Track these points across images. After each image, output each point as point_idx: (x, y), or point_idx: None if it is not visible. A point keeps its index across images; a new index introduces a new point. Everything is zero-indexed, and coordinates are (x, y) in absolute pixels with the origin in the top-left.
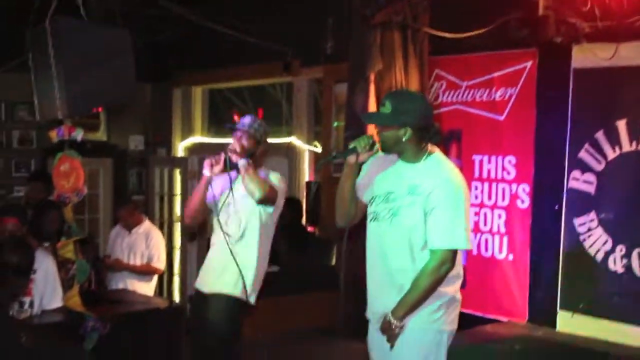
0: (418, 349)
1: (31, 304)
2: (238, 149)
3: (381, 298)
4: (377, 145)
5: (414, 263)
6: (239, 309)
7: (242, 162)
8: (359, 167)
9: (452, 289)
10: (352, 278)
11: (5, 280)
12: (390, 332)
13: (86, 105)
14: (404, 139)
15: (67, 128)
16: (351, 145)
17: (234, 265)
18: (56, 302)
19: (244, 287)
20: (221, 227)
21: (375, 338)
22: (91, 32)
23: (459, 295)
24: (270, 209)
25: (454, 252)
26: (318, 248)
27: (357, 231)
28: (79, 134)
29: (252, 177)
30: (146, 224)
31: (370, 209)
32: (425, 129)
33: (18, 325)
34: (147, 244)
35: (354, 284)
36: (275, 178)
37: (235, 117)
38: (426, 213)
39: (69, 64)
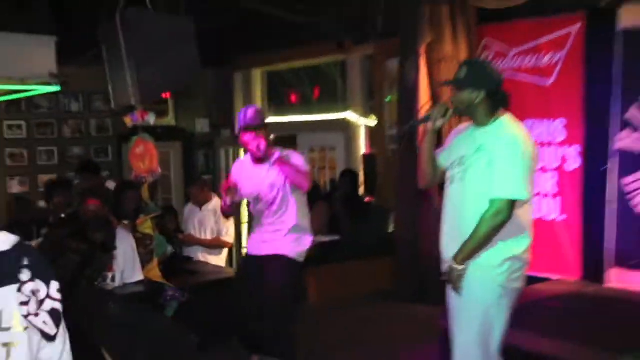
0: (480, 301)
1: (113, 278)
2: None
3: (451, 249)
4: (450, 112)
5: (476, 218)
6: (295, 269)
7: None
8: (435, 133)
9: (518, 249)
10: (408, 244)
11: (93, 258)
12: (452, 276)
13: (156, 90)
14: (476, 102)
15: (140, 113)
16: (427, 114)
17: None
18: (136, 275)
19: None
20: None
21: (449, 290)
22: (157, 22)
23: (526, 256)
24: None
25: (511, 203)
26: (376, 217)
27: (413, 200)
28: (151, 118)
29: (293, 174)
30: (215, 201)
31: (448, 174)
32: (495, 94)
33: (107, 295)
34: (216, 220)
35: (410, 249)
36: (298, 158)
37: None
38: (489, 165)
39: (138, 53)
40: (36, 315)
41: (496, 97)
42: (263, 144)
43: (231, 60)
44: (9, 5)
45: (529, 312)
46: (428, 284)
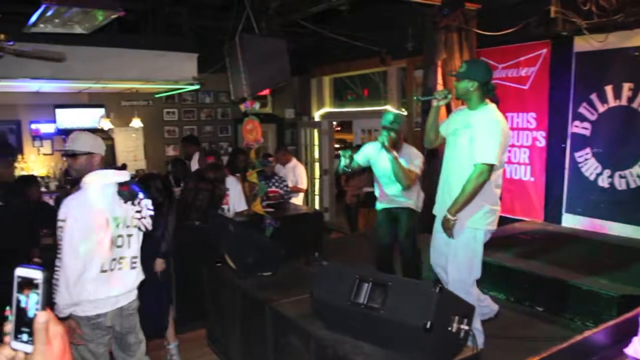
0: (468, 240)
1: (228, 210)
2: (387, 144)
3: (443, 202)
4: (450, 95)
5: (466, 174)
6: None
7: (390, 157)
8: (438, 109)
9: (494, 204)
10: (427, 197)
11: (214, 194)
12: (447, 225)
13: (260, 87)
14: (470, 89)
15: (250, 102)
16: (435, 94)
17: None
18: (242, 207)
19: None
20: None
21: (437, 228)
22: (262, 42)
23: (498, 208)
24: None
25: (489, 167)
26: None
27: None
28: (257, 105)
29: (399, 171)
30: (293, 161)
31: (446, 141)
32: (485, 85)
33: (227, 220)
34: (294, 173)
35: (428, 199)
36: (417, 161)
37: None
38: (472, 140)
39: (249, 63)
40: (143, 218)
41: (486, 88)
42: (389, 141)
43: (309, 70)
44: (168, 35)
45: (509, 241)
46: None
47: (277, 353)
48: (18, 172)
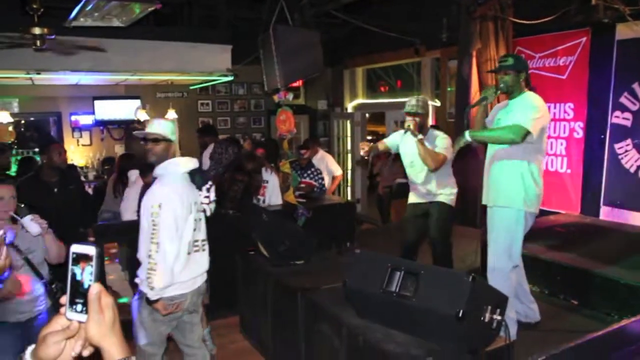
0: (510, 222)
1: (264, 201)
2: (412, 127)
3: (487, 195)
4: (497, 92)
5: (511, 159)
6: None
7: (415, 140)
8: (486, 107)
9: (536, 186)
10: (460, 187)
11: (250, 185)
12: (459, 140)
13: (293, 78)
14: (518, 81)
15: (283, 93)
16: (483, 95)
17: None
18: (278, 200)
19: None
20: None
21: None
22: (295, 34)
23: (539, 191)
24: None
25: (524, 130)
26: None
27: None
28: (290, 96)
29: (424, 152)
30: (320, 153)
31: None
32: (526, 76)
33: (261, 209)
34: (325, 164)
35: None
36: (441, 141)
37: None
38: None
39: (283, 54)
40: (210, 203)
41: (526, 78)
42: (413, 124)
43: (342, 61)
44: (204, 27)
45: (544, 233)
46: (472, 213)
47: (308, 340)
48: None
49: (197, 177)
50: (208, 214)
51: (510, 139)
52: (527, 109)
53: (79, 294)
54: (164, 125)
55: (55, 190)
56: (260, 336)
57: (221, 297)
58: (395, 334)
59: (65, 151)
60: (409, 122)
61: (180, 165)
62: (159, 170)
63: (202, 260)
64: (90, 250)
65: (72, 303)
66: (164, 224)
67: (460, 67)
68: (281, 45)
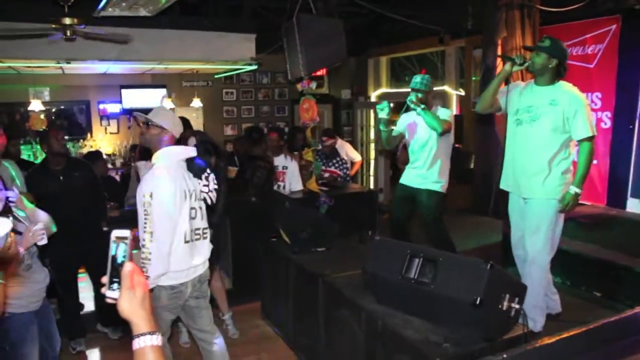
0: (551, 213)
1: (284, 187)
2: (415, 100)
3: (525, 174)
4: (527, 64)
5: (547, 149)
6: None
7: (419, 110)
8: (507, 74)
9: (570, 177)
10: (483, 176)
11: (272, 172)
12: (576, 199)
13: (317, 67)
14: (550, 66)
15: (307, 82)
16: (512, 57)
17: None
18: (298, 186)
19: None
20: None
21: (515, 207)
22: (319, 23)
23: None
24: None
25: (593, 137)
26: (461, 157)
27: (488, 145)
28: (313, 85)
29: (430, 117)
30: (340, 141)
31: (514, 117)
32: (562, 65)
33: (283, 196)
34: (344, 151)
35: (484, 179)
36: (444, 112)
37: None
38: (568, 117)
39: (306, 43)
40: (210, 192)
41: (562, 67)
42: (416, 98)
43: (366, 50)
44: (229, 16)
45: (568, 224)
46: (495, 203)
47: (328, 325)
48: (87, 149)
49: (193, 166)
50: (209, 202)
51: (594, 151)
52: (586, 108)
53: (116, 273)
54: (161, 114)
55: (61, 177)
56: (281, 321)
57: (243, 283)
58: (413, 320)
59: (63, 137)
60: (412, 97)
61: (173, 154)
62: (153, 159)
63: (203, 249)
64: (125, 233)
65: (111, 283)
66: (156, 212)
67: (485, 56)
68: (305, 34)
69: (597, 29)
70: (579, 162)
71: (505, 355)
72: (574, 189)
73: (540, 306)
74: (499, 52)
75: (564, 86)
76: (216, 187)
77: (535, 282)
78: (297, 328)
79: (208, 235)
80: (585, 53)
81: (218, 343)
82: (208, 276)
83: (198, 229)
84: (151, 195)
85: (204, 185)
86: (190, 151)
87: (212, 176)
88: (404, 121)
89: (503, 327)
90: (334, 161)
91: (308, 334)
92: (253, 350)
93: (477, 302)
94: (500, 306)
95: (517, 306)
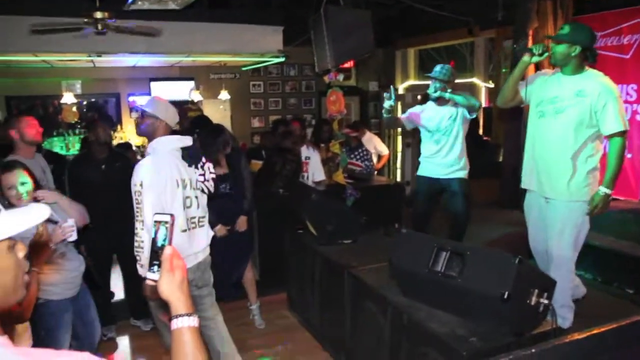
0: (578, 213)
1: (307, 177)
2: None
3: (547, 172)
4: (547, 54)
5: (572, 145)
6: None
7: (448, 95)
8: (526, 65)
9: (596, 175)
10: (512, 169)
11: (300, 165)
12: (607, 200)
13: (344, 59)
14: (572, 54)
15: (334, 74)
16: (530, 47)
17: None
18: (320, 176)
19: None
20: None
21: (533, 203)
22: (347, 14)
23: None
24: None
25: (625, 132)
26: (490, 149)
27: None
28: (341, 77)
29: (464, 98)
30: (368, 134)
31: (537, 109)
32: (589, 50)
33: (310, 189)
34: (373, 144)
35: (512, 172)
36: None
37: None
38: (596, 110)
39: (334, 34)
40: (206, 181)
41: (588, 53)
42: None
43: (394, 42)
44: (256, 8)
45: (599, 220)
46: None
47: (354, 317)
48: (117, 141)
49: (188, 155)
50: (206, 192)
51: (625, 146)
52: (617, 100)
53: (156, 257)
54: (155, 104)
55: (103, 167)
56: (308, 313)
57: (270, 274)
58: (439, 314)
59: (110, 127)
60: (434, 87)
61: (165, 143)
62: (148, 148)
63: (200, 237)
64: (166, 217)
65: (151, 265)
66: (147, 201)
67: (515, 48)
68: (332, 25)
69: (633, 18)
70: (608, 160)
71: (534, 350)
72: (603, 190)
73: (568, 305)
74: (531, 44)
75: (593, 75)
76: (213, 176)
77: (561, 283)
78: (323, 319)
79: (205, 224)
80: (620, 43)
81: (219, 326)
82: (208, 263)
83: (194, 217)
84: (142, 185)
85: (200, 175)
86: (185, 140)
87: (207, 165)
88: (414, 111)
89: (531, 322)
90: (356, 153)
91: (334, 325)
92: (279, 340)
93: (506, 296)
94: (528, 301)
95: (545, 301)
